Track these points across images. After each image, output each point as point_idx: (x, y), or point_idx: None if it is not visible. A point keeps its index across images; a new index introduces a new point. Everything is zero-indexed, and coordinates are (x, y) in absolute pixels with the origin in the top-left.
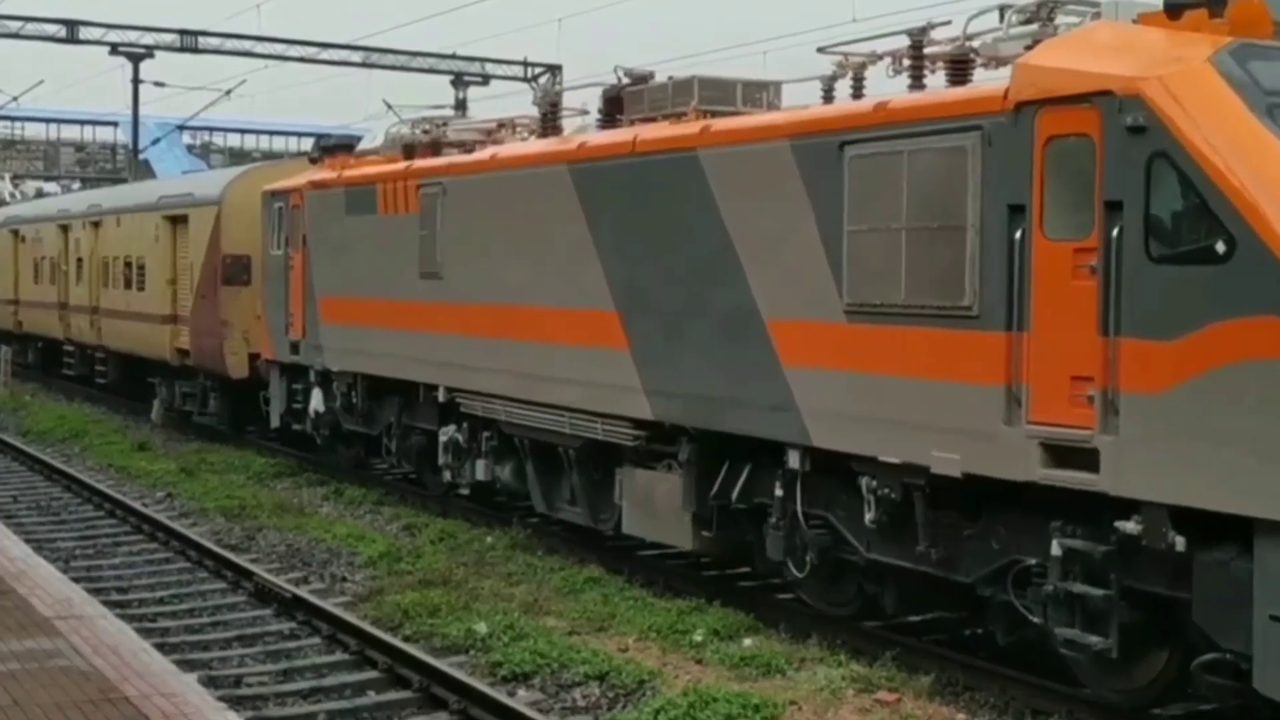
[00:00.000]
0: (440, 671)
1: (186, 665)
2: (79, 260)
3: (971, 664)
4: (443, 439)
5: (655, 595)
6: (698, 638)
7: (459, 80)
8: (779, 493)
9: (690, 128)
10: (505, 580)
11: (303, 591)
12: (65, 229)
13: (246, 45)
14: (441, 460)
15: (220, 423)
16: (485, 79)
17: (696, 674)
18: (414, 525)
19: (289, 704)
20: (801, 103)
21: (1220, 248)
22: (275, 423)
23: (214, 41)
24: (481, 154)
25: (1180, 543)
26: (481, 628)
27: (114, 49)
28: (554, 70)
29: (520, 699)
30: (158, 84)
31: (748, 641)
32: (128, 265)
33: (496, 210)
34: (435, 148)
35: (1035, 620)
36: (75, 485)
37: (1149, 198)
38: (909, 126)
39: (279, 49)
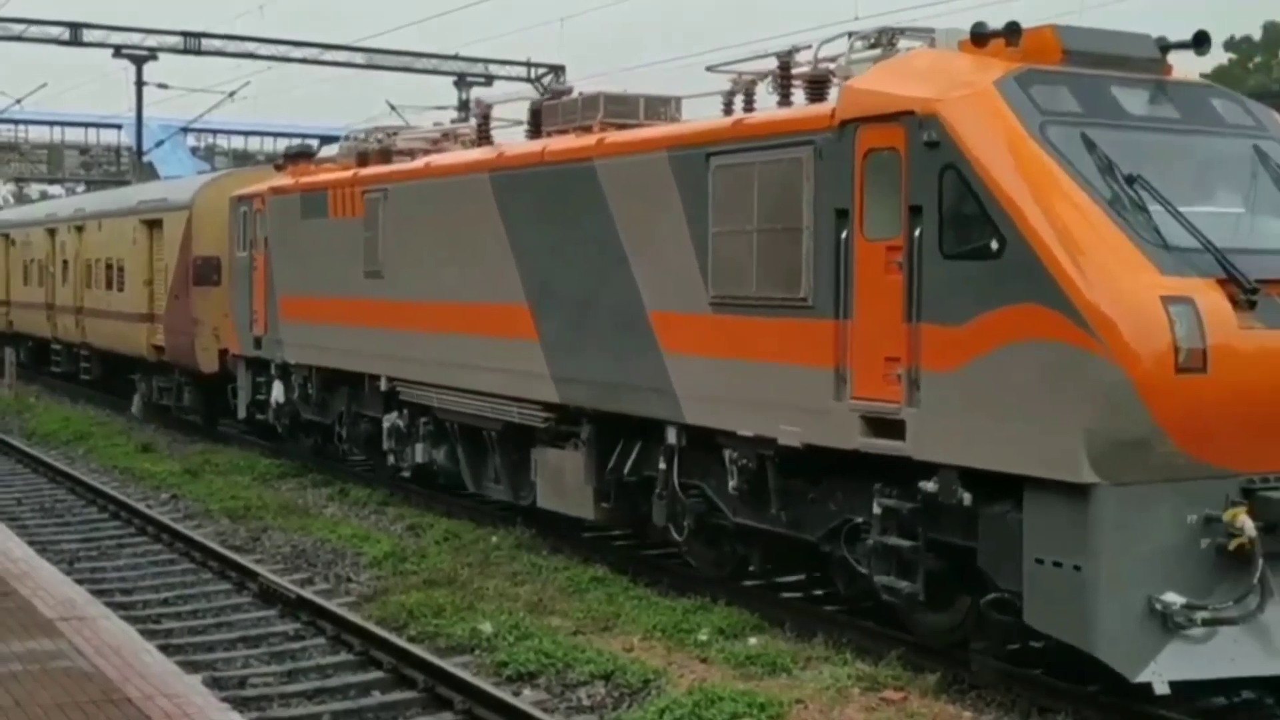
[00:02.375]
0: (445, 671)
1: (190, 666)
2: (65, 262)
3: (976, 661)
4: (386, 425)
5: (660, 594)
6: (703, 637)
7: (462, 80)
8: (661, 466)
9: (588, 140)
10: (510, 580)
11: (307, 592)
12: (52, 233)
13: (249, 47)
14: (385, 445)
15: (194, 415)
16: (488, 79)
17: (702, 673)
18: (418, 525)
19: (293, 705)
20: (710, 115)
21: (994, 245)
22: (242, 414)
23: (217, 43)
24: (417, 163)
25: (968, 499)
26: (486, 627)
27: (117, 51)
28: (556, 70)
29: (525, 698)
30: (161, 86)
31: (753, 640)
32: (109, 267)
33: (430, 214)
34: (386, 156)
35: (862, 570)
36: (79, 487)
37: (942, 203)
38: (759, 140)
39: (282, 50)
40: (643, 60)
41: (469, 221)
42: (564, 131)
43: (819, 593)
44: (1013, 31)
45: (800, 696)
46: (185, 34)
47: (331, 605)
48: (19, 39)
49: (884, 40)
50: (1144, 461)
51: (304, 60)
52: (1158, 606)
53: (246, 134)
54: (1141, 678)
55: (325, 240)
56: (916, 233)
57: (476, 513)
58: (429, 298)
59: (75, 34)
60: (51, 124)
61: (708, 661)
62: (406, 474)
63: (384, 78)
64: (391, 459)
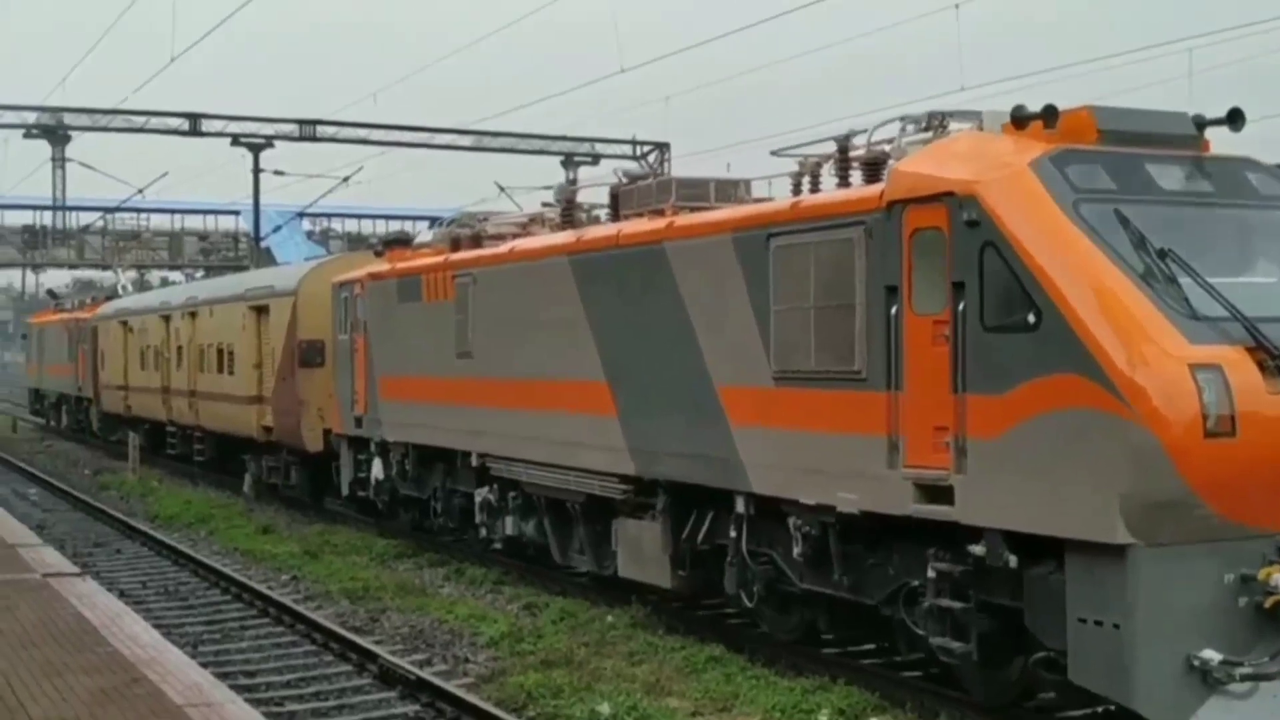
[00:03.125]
0: None
1: None
2: (179, 348)
3: None
4: (478, 499)
5: (778, 674)
6: (823, 718)
7: (569, 160)
8: (732, 534)
9: (660, 223)
10: (627, 660)
11: (427, 674)
12: (167, 319)
13: (362, 133)
14: (478, 519)
15: (301, 493)
16: (595, 158)
17: None
18: (534, 605)
19: None
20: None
21: (1031, 318)
22: (344, 491)
23: (331, 130)
24: (503, 248)
25: (1014, 561)
26: (605, 709)
27: (235, 140)
28: (662, 147)
29: None
30: (277, 173)
31: None
32: (220, 352)
33: (515, 296)
34: (477, 241)
35: (920, 633)
36: (202, 569)
37: (982, 278)
38: (815, 222)
39: (394, 135)
40: (746, 135)
41: (551, 302)
42: (639, 215)
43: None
44: (1050, 114)
45: None
46: (300, 121)
47: (451, 687)
48: (141, 130)
49: (934, 123)
50: (1178, 523)
51: (415, 144)
52: (1196, 663)
53: (360, 217)
54: None
55: (420, 322)
56: (960, 307)
57: (591, 591)
58: (515, 376)
59: (194, 124)
60: (171, 212)
61: None
62: (498, 546)
63: (493, 158)
64: (483, 532)
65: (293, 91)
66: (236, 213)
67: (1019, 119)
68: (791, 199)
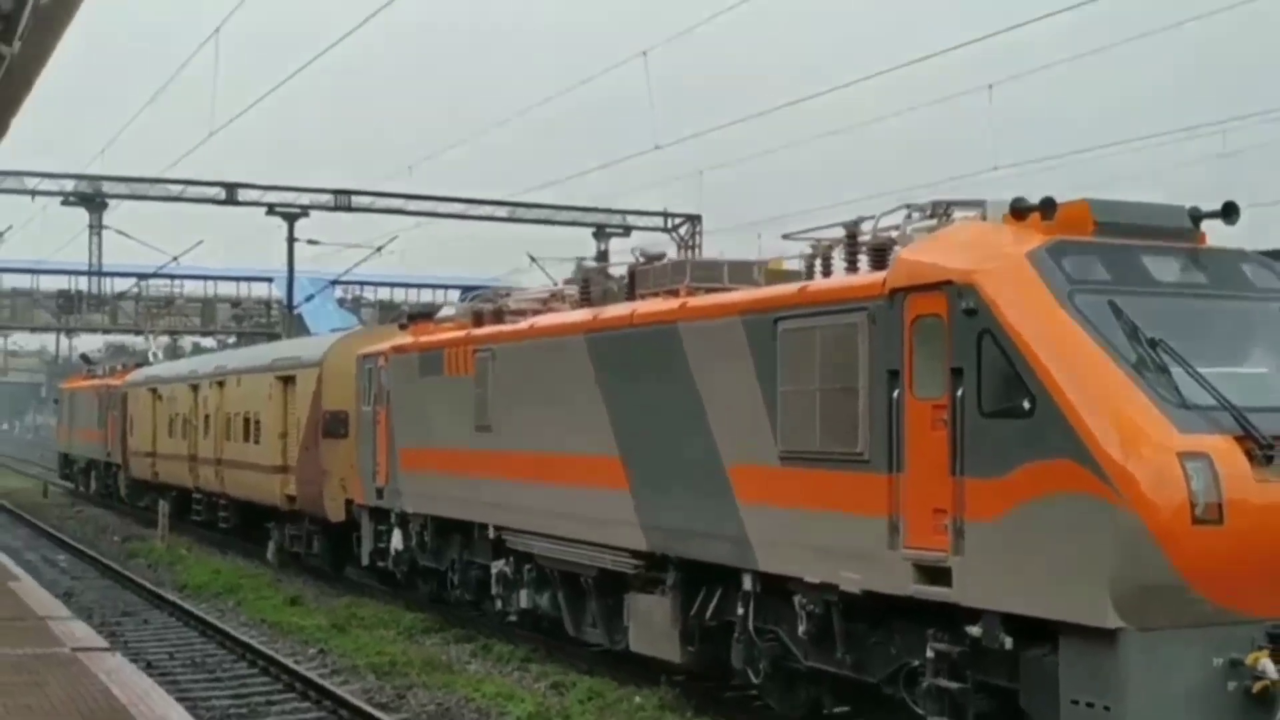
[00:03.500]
0: None
1: None
2: (206, 416)
3: None
4: (494, 572)
5: None
6: None
7: (601, 231)
8: (740, 611)
9: (673, 304)
10: None
11: None
12: (195, 388)
13: (397, 204)
14: (494, 591)
15: (322, 562)
16: (626, 230)
17: None
18: (561, 683)
19: None
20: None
21: (1026, 405)
22: (365, 561)
23: (366, 200)
24: (521, 324)
25: (1009, 642)
26: None
27: (270, 209)
28: (693, 220)
29: None
30: (311, 242)
31: None
32: (246, 421)
33: (533, 372)
34: (499, 316)
35: (920, 712)
36: (229, 641)
37: (980, 365)
38: (820, 307)
39: (428, 205)
40: (778, 209)
41: (568, 379)
42: (655, 294)
43: None
44: (1048, 206)
45: None
46: (336, 192)
47: None
48: (178, 199)
49: (939, 211)
50: (1168, 608)
51: (449, 215)
52: None
53: (392, 285)
54: None
55: (441, 396)
56: (959, 393)
57: (618, 671)
58: (532, 450)
59: (231, 194)
60: (204, 278)
61: None
62: (513, 618)
63: (526, 228)
64: (499, 604)
65: (328, 161)
66: (269, 279)
67: (1018, 210)
68: (799, 284)
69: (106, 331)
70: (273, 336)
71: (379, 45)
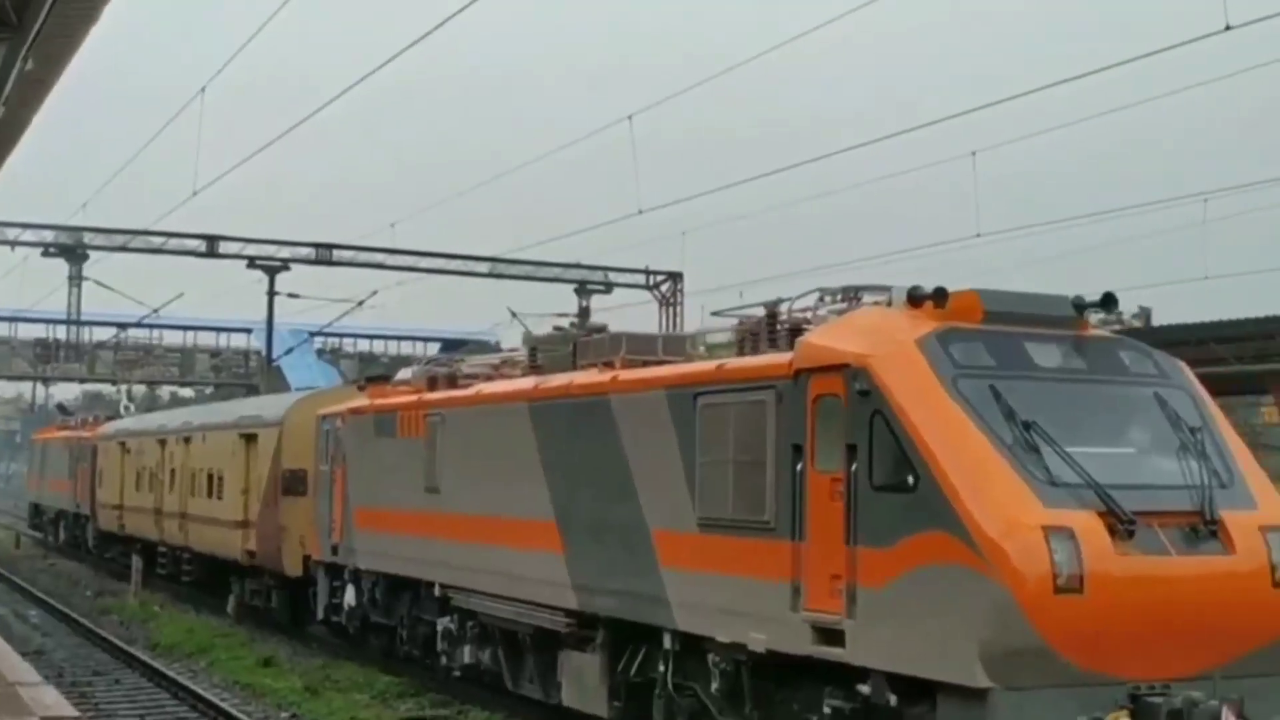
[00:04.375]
0: None
1: None
2: (172, 471)
3: None
4: (440, 628)
5: None
6: None
7: (583, 288)
8: (660, 668)
9: (606, 376)
10: None
11: None
12: (163, 443)
13: (379, 258)
14: (440, 647)
15: (280, 616)
16: (608, 287)
17: None
18: None
19: None
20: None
21: (910, 480)
22: (320, 615)
23: (347, 254)
24: (469, 390)
25: (894, 700)
26: None
27: (251, 262)
28: (675, 277)
29: None
30: (292, 295)
31: None
32: (210, 476)
33: (479, 436)
34: (452, 380)
35: None
36: (201, 704)
37: (871, 442)
38: (734, 384)
39: (410, 260)
40: (761, 270)
41: (510, 444)
42: (594, 365)
43: None
44: (940, 295)
45: None
46: (317, 245)
47: None
48: (159, 251)
49: (849, 296)
50: (1035, 669)
51: (431, 270)
52: None
53: (372, 337)
54: None
55: (394, 457)
56: (853, 467)
57: None
58: (475, 512)
59: (212, 246)
60: (184, 329)
61: None
62: (457, 674)
63: (508, 283)
64: (444, 660)
65: (310, 216)
66: (248, 330)
67: (915, 298)
68: (717, 361)
69: (84, 381)
70: (251, 388)
71: (364, 103)
